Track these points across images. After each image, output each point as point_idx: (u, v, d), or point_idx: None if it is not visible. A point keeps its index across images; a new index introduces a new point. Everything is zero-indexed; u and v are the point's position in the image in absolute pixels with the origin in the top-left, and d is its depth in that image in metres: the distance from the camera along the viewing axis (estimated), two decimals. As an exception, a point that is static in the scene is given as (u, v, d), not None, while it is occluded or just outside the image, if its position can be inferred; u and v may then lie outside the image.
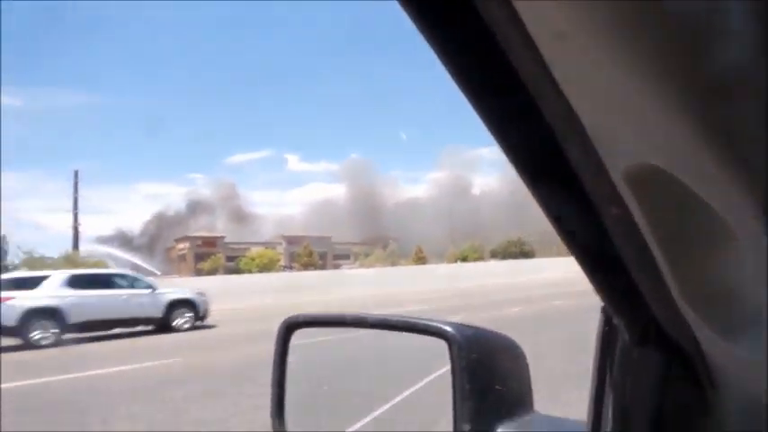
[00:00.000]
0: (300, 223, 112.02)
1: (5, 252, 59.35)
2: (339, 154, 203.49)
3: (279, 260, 76.38)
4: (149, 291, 13.23)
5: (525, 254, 53.96)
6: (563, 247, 0.53)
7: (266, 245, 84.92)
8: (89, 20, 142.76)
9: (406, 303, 17.90)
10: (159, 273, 75.46)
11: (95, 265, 60.97)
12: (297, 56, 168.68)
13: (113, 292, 12.66)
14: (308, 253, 73.41)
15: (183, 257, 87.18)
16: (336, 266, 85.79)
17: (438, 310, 15.48)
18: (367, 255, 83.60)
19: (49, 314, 11.58)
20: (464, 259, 53.02)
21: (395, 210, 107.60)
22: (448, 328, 0.94)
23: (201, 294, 14.15)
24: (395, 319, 1.20)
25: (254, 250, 78.05)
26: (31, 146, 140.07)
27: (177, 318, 13.19)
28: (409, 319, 1.14)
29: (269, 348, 1.11)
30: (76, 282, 12.45)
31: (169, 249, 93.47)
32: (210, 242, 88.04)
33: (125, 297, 12.66)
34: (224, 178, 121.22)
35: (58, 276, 12.65)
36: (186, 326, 13.23)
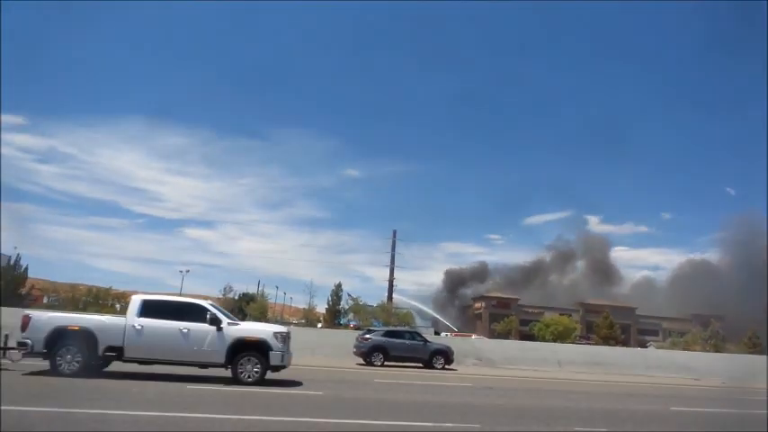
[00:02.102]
0: (659, 289, 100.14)
1: (340, 297, 72.21)
2: (647, 215, 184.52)
3: (575, 329, 72.15)
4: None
5: None
6: None
7: (561, 311, 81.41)
8: (399, 110, 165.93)
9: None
10: (456, 330, 79.96)
11: (404, 316, 68.99)
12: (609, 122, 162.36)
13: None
14: (609, 324, 67.23)
15: (478, 316, 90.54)
16: (642, 343, 76.22)
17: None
18: (682, 333, 72.14)
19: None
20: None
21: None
22: None
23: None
24: None
25: (548, 316, 75.78)
26: (364, 208, 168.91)
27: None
28: None
29: None
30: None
31: (466, 307, 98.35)
32: (505, 303, 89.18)
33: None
34: (592, 234, 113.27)
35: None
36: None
